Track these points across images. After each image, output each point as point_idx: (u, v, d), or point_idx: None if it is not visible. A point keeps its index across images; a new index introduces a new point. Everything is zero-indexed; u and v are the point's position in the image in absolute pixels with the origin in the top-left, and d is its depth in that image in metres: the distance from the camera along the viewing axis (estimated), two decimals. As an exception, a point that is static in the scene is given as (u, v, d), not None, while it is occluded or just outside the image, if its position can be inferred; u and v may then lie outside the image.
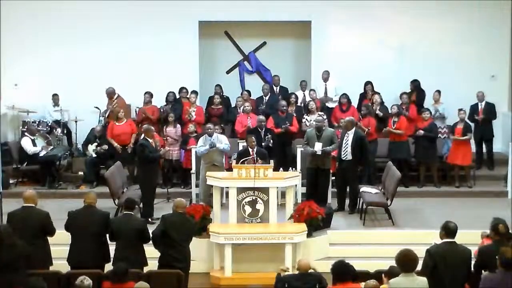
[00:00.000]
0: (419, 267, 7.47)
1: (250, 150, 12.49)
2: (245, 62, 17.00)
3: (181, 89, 15.41)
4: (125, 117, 14.65)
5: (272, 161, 12.63)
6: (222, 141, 12.89)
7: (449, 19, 16.09)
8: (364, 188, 12.85)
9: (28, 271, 8.20)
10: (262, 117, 13.91)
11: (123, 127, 14.48)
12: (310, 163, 12.73)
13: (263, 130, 13.64)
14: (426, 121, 14.29)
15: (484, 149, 15.24)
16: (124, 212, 9.53)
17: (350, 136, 12.73)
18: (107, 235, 9.32)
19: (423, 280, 7.20)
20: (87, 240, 9.13)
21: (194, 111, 14.75)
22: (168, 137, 14.17)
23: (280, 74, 16.22)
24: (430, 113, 14.51)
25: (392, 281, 7.21)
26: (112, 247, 9.33)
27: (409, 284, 7.05)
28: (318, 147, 12.54)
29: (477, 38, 16.10)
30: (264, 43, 16.90)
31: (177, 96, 15.37)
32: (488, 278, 7.40)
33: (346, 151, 12.71)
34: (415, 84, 15.49)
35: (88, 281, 7.50)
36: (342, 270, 7.60)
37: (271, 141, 13.40)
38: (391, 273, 7.45)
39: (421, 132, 14.11)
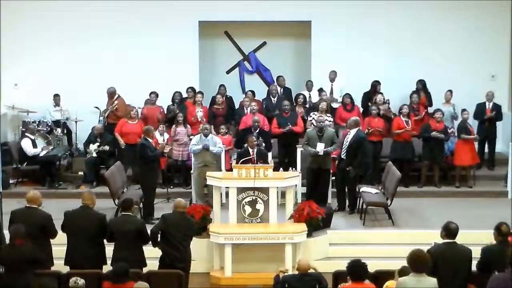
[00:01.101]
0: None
1: (250, 150, 12.49)
2: (245, 62, 17.01)
3: (188, 89, 15.38)
4: (128, 117, 14.63)
5: (272, 161, 12.62)
6: (216, 144, 12.92)
7: (449, 19, 16.08)
8: (364, 188, 12.84)
9: (34, 272, 8.20)
10: (256, 118, 13.85)
11: (135, 126, 14.38)
12: (311, 163, 12.72)
13: (257, 131, 13.57)
14: (439, 123, 14.21)
15: (487, 149, 15.25)
16: (123, 213, 9.51)
17: (350, 135, 12.73)
18: (105, 236, 9.28)
19: (433, 281, 7.15)
20: (82, 242, 9.08)
21: (201, 111, 14.74)
22: (179, 138, 14.12)
23: (280, 74, 16.20)
24: (443, 113, 14.45)
25: (400, 280, 7.21)
26: (110, 248, 9.30)
27: (416, 284, 7.03)
28: (320, 147, 12.54)
29: (477, 38, 16.10)
30: (264, 43, 16.90)
31: (183, 96, 15.34)
32: (496, 278, 7.39)
33: (344, 150, 12.71)
34: (422, 84, 15.47)
35: (81, 280, 7.49)
36: (359, 269, 7.56)
37: (264, 144, 13.30)
38: (403, 273, 7.42)
39: (441, 135, 14.06)
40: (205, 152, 12.80)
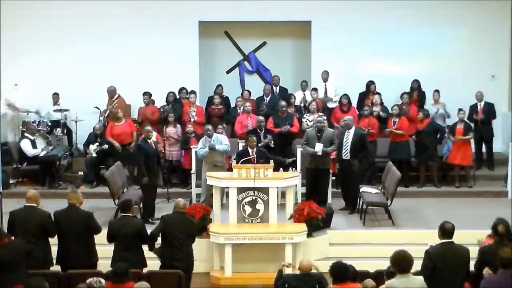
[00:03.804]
0: (416, 267, 7.46)
1: (250, 150, 12.49)
2: (245, 62, 17.02)
3: (181, 89, 15.41)
4: (124, 117, 14.63)
5: (272, 161, 12.61)
6: (222, 142, 12.89)
7: (449, 19, 16.09)
8: (364, 188, 12.85)
9: (28, 270, 8.19)
10: (261, 118, 13.91)
11: (123, 127, 14.46)
12: (309, 163, 12.74)
13: (263, 131, 13.63)
14: (422, 122, 14.25)
15: (484, 149, 15.25)
16: (122, 214, 9.51)
17: (350, 135, 12.74)
18: (106, 237, 9.29)
19: (420, 279, 7.19)
20: (70, 241, 9.09)
21: (194, 111, 14.75)
22: (169, 137, 14.15)
23: (280, 74, 16.22)
24: (427, 113, 14.46)
25: (388, 283, 7.21)
26: (109, 248, 9.30)
27: (405, 284, 7.05)
28: (318, 147, 12.54)
29: (477, 38, 16.11)
30: (264, 43, 16.90)
31: (177, 96, 15.37)
32: (489, 279, 7.40)
33: (346, 150, 12.71)
34: (417, 84, 15.48)
35: (102, 281, 7.49)
36: (340, 271, 7.59)
37: (272, 141, 13.38)
38: (391, 274, 7.44)
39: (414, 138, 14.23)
40: (213, 153, 12.78)
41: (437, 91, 15.16)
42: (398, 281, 7.11)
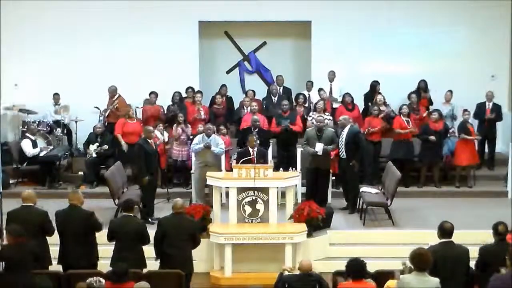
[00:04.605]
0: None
1: (251, 150, 12.48)
2: (245, 62, 17.01)
3: (187, 88, 15.39)
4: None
5: (272, 161, 12.60)
6: (218, 144, 12.90)
7: (449, 19, 16.09)
8: (364, 188, 12.85)
9: (33, 271, 8.20)
10: (256, 117, 13.84)
11: (135, 126, 14.37)
12: (310, 163, 12.73)
13: (256, 130, 13.55)
14: (437, 122, 14.20)
15: (487, 149, 15.25)
16: (123, 214, 9.51)
17: (344, 133, 12.74)
18: (106, 236, 9.29)
19: (436, 280, 7.17)
20: (72, 240, 9.10)
21: (201, 110, 14.75)
22: (180, 137, 14.10)
23: (280, 74, 16.20)
24: (441, 114, 14.44)
25: (402, 277, 7.23)
26: (109, 248, 9.30)
27: (419, 283, 7.05)
28: (319, 147, 12.54)
29: (477, 38, 16.11)
30: (264, 43, 16.90)
31: (184, 95, 15.33)
32: (497, 278, 7.39)
33: (342, 149, 12.74)
34: (425, 83, 15.45)
35: (102, 281, 7.49)
36: (357, 268, 7.57)
37: (258, 142, 13.23)
38: (403, 273, 7.45)
39: (432, 138, 14.08)
40: (206, 152, 12.78)
41: (450, 91, 15.10)
42: (413, 278, 7.11)
